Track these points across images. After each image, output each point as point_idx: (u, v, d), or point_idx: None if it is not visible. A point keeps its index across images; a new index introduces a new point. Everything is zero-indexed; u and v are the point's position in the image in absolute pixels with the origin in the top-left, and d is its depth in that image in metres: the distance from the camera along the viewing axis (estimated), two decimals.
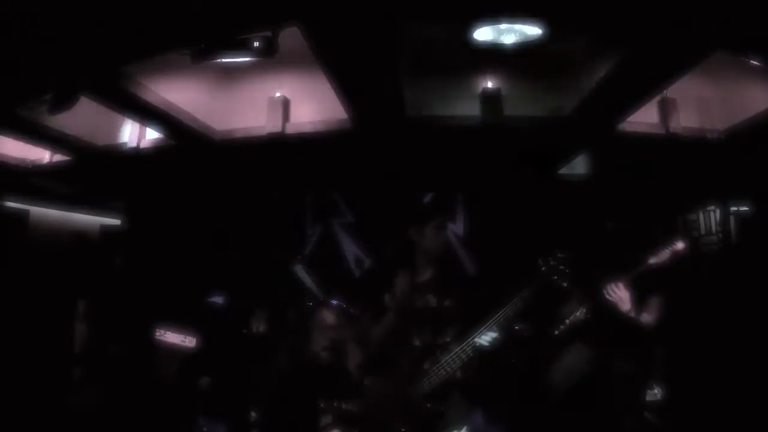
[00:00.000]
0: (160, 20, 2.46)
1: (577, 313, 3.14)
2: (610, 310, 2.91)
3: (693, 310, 4.27)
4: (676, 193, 5.09)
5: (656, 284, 2.90)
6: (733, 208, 4.83)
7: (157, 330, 3.95)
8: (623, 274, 2.86)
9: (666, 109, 3.82)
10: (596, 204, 4.57)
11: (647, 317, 2.88)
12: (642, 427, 3.22)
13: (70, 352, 4.75)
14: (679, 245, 2.78)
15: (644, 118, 3.76)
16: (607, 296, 2.86)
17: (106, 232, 6.71)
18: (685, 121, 3.87)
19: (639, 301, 2.90)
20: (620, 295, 2.80)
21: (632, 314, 2.82)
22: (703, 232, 5.04)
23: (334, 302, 4.21)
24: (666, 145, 3.99)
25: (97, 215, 6.67)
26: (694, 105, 3.89)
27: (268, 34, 2.77)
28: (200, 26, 2.62)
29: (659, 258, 2.79)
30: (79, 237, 4.24)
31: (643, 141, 3.91)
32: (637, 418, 3.13)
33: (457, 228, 5.43)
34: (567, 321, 3.21)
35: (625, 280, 2.84)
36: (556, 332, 3.27)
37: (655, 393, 3.52)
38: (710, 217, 4.98)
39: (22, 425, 3.78)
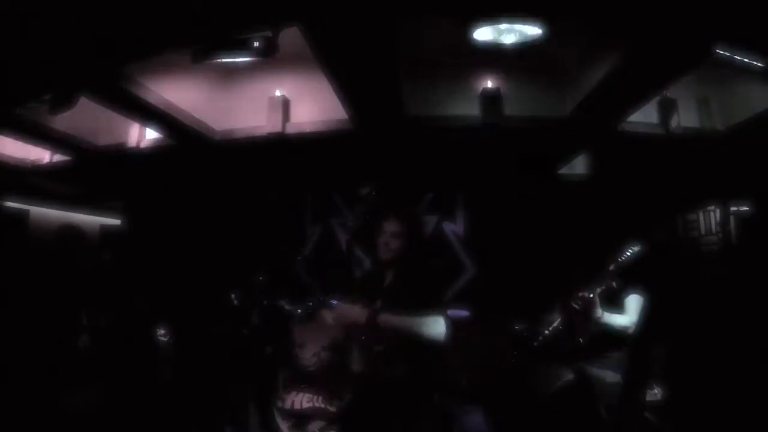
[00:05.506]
0: (160, 20, 2.46)
1: (556, 324, 3.16)
2: (581, 319, 2.92)
3: (693, 310, 4.27)
4: (676, 193, 5.09)
5: (632, 285, 2.92)
6: (733, 208, 4.82)
7: (156, 330, 3.95)
8: (588, 284, 2.87)
9: (666, 109, 3.82)
10: (596, 204, 4.57)
11: (622, 319, 2.88)
12: (642, 427, 3.22)
13: (70, 352, 4.74)
14: (634, 249, 2.81)
15: (644, 118, 3.76)
16: (575, 306, 2.87)
17: (106, 232, 6.72)
18: (685, 121, 3.87)
19: (616, 302, 2.91)
20: (586, 303, 2.82)
21: (602, 320, 2.83)
22: (703, 232, 5.03)
23: (334, 302, 4.21)
24: (666, 145, 3.99)
25: (97, 215, 6.67)
26: (694, 105, 3.89)
27: (268, 34, 2.77)
28: (200, 26, 2.62)
29: (616, 265, 2.81)
30: (71, 231, 4.23)
31: (643, 141, 3.91)
32: (635, 419, 3.13)
33: (457, 228, 5.43)
34: (546, 332, 3.22)
35: (592, 289, 2.85)
36: (535, 343, 3.28)
37: (655, 393, 3.52)
38: (710, 217, 4.98)
39: (22, 425, 3.77)
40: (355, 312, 2.26)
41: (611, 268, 2.84)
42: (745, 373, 3.88)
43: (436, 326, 2.20)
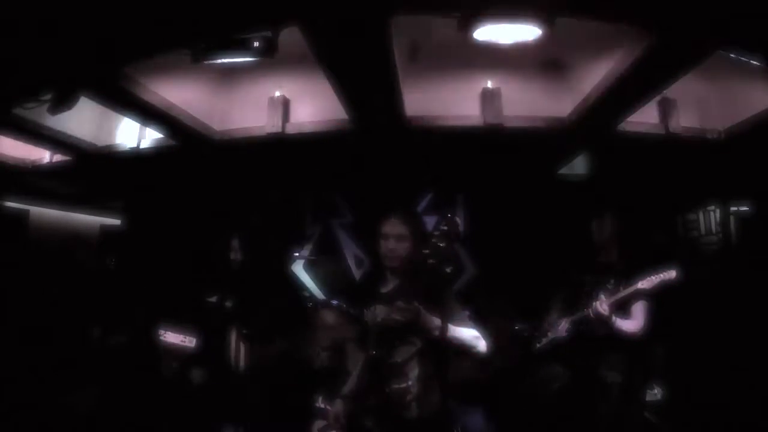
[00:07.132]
0: (160, 20, 2.46)
1: (559, 327, 3.16)
2: (592, 324, 2.92)
3: (693, 310, 4.27)
4: (676, 193, 5.09)
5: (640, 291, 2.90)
6: (733, 208, 4.82)
7: (157, 330, 3.95)
8: (611, 295, 2.87)
9: (666, 109, 3.82)
10: (596, 204, 4.57)
11: (631, 324, 2.88)
12: (642, 427, 3.22)
13: (70, 352, 4.75)
14: (671, 274, 2.77)
15: (644, 118, 3.76)
16: (590, 314, 2.87)
17: (106, 232, 6.73)
18: (685, 121, 3.87)
19: (624, 308, 2.90)
20: (602, 311, 2.81)
21: (614, 325, 2.82)
22: (703, 232, 5.04)
23: (334, 302, 4.22)
24: (666, 145, 3.99)
25: (97, 215, 6.68)
26: (694, 105, 3.89)
27: (268, 34, 2.77)
28: (200, 26, 2.62)
29: (650, 285, 2.79)
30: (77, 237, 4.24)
31: (643, 141, 3.91)
32: (636, 420, 3.13)
33: None
34: (549, 334, 3.22)
35: (611, 299, 2.85)
36: (538, 345, 3.28)
37: (655, 393, 3.52)
38: (710, 217, 4.98)
39: (23, 425, 3.78)
40: (426, 319, 1.89)
41: (640, 285, 2.80)
42: (745, 373, 3.88)
43: (483, 340, 2.04)
